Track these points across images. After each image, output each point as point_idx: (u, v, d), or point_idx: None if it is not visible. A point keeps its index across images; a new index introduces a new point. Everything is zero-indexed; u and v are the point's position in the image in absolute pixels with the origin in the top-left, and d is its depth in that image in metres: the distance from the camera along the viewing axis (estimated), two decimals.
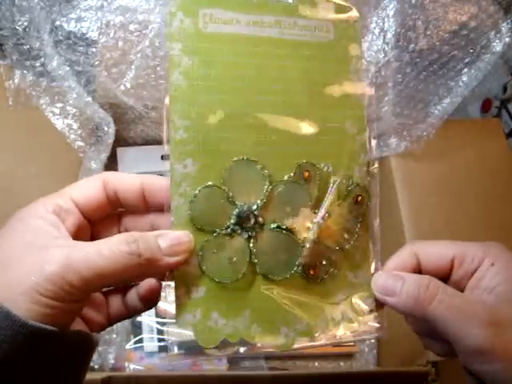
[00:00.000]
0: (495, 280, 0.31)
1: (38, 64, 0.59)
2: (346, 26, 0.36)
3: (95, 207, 0.33)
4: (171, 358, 0.50)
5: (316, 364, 0.69)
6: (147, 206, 0.34)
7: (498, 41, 0.60)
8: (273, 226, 0.33)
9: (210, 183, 0.33)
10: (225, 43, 0.34)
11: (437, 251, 0.34)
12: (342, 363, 0.69)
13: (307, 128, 0.35)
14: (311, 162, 0.34)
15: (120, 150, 0.73)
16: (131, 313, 0.35)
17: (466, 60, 0.61)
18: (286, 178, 0.34)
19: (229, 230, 0.32)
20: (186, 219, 0.32)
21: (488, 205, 0.63)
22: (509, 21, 0.60)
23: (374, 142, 0.36)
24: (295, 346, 0.34)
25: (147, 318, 0.66)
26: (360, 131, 0.36)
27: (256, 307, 0.33)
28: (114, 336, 0.62)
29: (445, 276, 0.33)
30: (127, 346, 0.65)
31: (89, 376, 0.32)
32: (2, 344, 0.26)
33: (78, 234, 0.32)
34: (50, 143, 0.62)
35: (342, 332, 0.34)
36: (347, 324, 0.34)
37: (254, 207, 0.33)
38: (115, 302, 0.34)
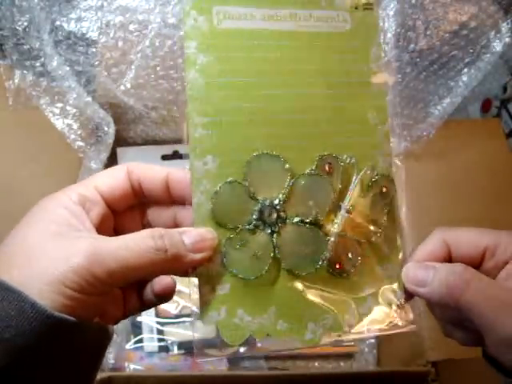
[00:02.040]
0: None
1: (38, 64, 0.59)
2: (363, 14, 0.36)
3: (119, 197, 0.33)
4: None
5: (316, 364, 0.69)
6: (171, 199, 0.33)
7: (498, 41, 0.60)
8: (296, 219, 0.33)
9: (230, 179, 0.32)
10: (239, 38, 0.33)
11: (469, 240, 0.33)
12: (342, 363, 0.69)
13: (327, 120, 0.34)
14: (333, 154, 0.34)
15: (120, 150, 0.73)
16: (146, 306, 0.34)
17: (466, 60, 0.61)
18: (307, 171, 0.33)
19: (251, 225, 0.32)
20: (208, 216, 0.32)
21: (488, 205, 0.63)
22: (509, 21, 0.60)
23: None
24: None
25: (147, 318, 0.66)
26: (382, 121, 0.35)
27: (281, 303, 0.32)
28: (114, 336, 0.62)
29: (475, 265, 0.32)
30: (127, 346, 0.65)
31: None
32: (27, 334, 0.26)
33: (102, 225, 0.32)
34: (50, 143, 0.62)
35: (370, 326, 0.33)
36: (375, 318, 0.33)
37: (276, 202, 0.32)
38: (132, 295, 0.34)
